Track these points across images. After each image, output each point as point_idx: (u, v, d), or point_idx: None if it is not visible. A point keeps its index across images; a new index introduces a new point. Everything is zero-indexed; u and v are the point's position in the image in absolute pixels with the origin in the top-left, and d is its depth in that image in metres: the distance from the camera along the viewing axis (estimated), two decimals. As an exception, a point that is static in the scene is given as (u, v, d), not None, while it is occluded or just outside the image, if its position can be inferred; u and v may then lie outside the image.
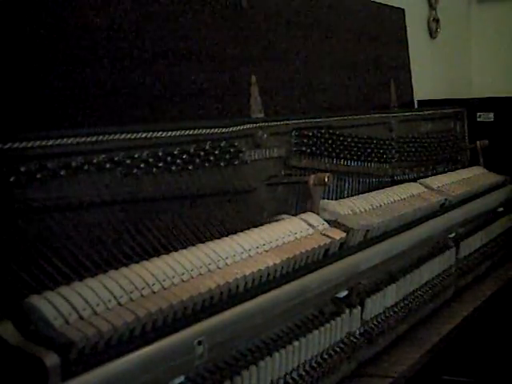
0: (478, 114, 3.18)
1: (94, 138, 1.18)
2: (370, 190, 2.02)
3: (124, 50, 1.50)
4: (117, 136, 1.23)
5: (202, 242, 1.29)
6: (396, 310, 1.79)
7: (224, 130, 1.49)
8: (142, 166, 1.27)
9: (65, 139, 1.13)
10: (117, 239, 1.19)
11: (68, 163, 1.13)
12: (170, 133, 1.35)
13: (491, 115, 3.18)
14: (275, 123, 1.69)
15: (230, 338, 1.20)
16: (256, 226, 1.44)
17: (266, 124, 1.66)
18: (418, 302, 1.93)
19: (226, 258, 1.26)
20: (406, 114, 2.51)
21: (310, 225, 1.53)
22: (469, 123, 2.95)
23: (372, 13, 2.69)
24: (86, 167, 1.16)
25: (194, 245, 1.27)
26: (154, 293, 1.09)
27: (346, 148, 1.99)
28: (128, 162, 1.24)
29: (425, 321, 1.98)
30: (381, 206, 1.87)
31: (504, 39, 4.18)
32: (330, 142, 1.91)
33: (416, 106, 3.06)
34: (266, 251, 1.36)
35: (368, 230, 1.70)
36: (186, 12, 1.69)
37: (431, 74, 3.67)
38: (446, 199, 2.21)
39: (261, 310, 1.28)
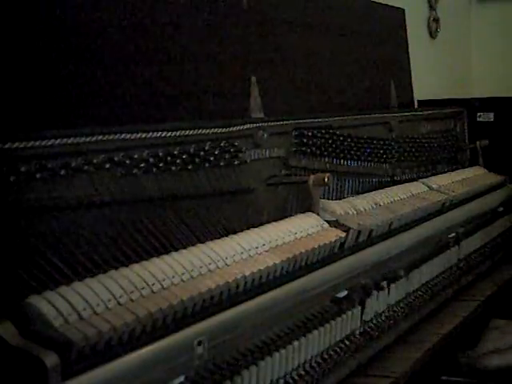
0: (478, 113, 3.18)
1: (94, 138, 1.18)
2: (370, 190, 2.02)
3: (124, 50, 1.50)
4: (117, 136, 1.23)
5: (202, 242, 1.29)
6: (396, 310, 1.79)
7: (224, 129, 1.49)
8: (142, 165, 1.27)
9: (65, 139, 1.13)
10: (117, 239, 1.19)
11: (68, 163, 1.13)
12: (169, 133, 1.35)
13: (491, 115, 3.18)
14: (275, 123, 1.69)
15: (229, 338, 1.20)
16: (256, 226, 1.44)
17: (266, 124, 1.65)
18: (418, 301, 1.93)
19: (226, 258, 1.26)
20: (406, 113, 2.51)
21: (309, 225, 1.53)
22: (469, 123, 2.94)
23: (372, 13, 2.69)
24: (85, 167, 1.16)
25: (193, 245, 1.27)
26: (154, 293, 1.08)
27: (346, 148, 1.99)
28: (128, 162, 1.24)
29: (425, 321, 1.98)
30: (381, 205, 1.87)
31: (504, 39, 4.17)
32: (330, 142, 1.91)
33: (416, 106, 3.06)
34: (266, 251, 1.36)
35: (372, 230, 1.70)
36: (185, 12, 1.69)
37: (431, 74, 3.66)
38: (446, 199, 2.21)
39: (261, 310, 1.28)
